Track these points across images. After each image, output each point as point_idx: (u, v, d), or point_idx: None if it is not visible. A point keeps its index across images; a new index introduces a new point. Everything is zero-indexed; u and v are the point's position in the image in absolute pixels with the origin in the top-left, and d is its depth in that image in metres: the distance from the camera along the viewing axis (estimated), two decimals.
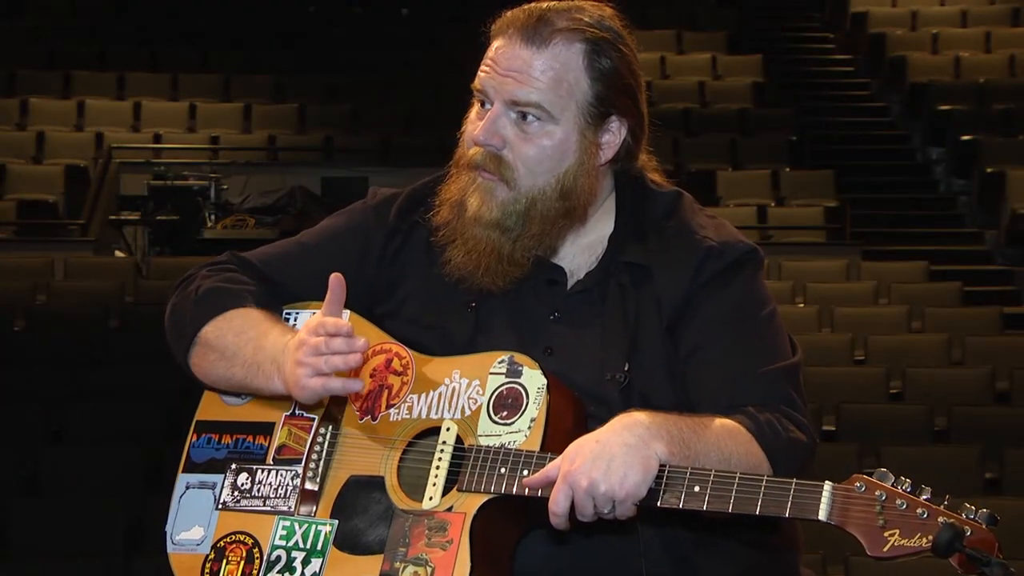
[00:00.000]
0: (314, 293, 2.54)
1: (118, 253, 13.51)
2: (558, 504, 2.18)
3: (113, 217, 13.74)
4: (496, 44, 2.42)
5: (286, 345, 2.38)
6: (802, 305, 10.97)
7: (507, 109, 2.39)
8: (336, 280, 2.38)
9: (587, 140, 2.41)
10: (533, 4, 2.45)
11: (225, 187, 13.96)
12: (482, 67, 2.43)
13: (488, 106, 2.41)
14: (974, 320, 10.66)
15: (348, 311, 2.52)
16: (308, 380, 2.31)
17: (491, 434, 2.32)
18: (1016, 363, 9.49)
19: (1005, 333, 10.47)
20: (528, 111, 2.38)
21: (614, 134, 2.44)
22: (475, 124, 2.43)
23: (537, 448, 2.28)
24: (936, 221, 14.52)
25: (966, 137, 14.64)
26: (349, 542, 2.36)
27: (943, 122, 15.23)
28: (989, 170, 14.02)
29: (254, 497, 2.46)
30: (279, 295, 2.55)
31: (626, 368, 2.37)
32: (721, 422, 2.27)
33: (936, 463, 7.69)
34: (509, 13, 2.44)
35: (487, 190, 2.40)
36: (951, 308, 10.98)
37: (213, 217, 13.66)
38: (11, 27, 16.45)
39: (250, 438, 2.50)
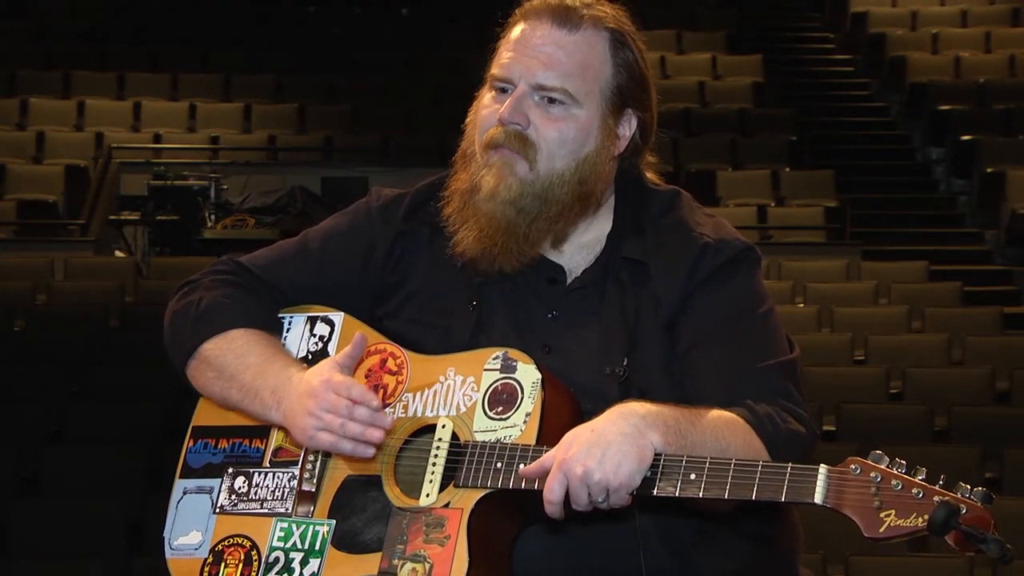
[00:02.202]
0: (314, 299, 2.55)
1: (118, 253, 13.50)
2: (553, 492, 2.18)
3: (113, 217, 13.73)
4: (521, 28, 2.42)
5: (290, 379, 2.39)
6: (802, 305, 10.97)
7: (532, 91, 2.39)
8: (360, 339, 2.38)
9: (608, 127, 2.42)
10: None
11: (225, 187, 13.96)
12: (504, 52, 2.43)
13: (509, 90, 2.41)
14: (974, 320, 10.65)
15: (342, 314, 2.53)
16: (318, 434, 2.32)
17: (487, 430, 2.33)
18: (1016, 363, 9.48)
19: (1005, 333, 10.47)
20: (554, 95, 2.38)
21: (627, 127, 2.45)
22: (491, 108, 2.42)
23: (533, 442, 2.29)
24: (936, 221, 14.51)
25: (966, 137, 14.64)
26: (347, 541, 2.37)
27: (943, 122, 15.22)
28: (989, 170, 14.01)
29: (251, 500, 2.46)
30: (278, 302, 2.56)
31: (624, 363, 2.37)
32: (719, 413, 2.27)
33: (936, 463, 7.60)
34: (534, 2, 2.44)
35: (506, 165, 2.39)
36: (951, 308, 10.97)
37: (213, 217, 13.66)
38: (11, 27, 16.46)
39: (246, 442, 2.51)
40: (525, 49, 2.40)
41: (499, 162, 2.39)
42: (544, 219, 2.40)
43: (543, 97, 2.39)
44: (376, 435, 2.30)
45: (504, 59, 2.42)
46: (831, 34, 18.43)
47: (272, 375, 2.41)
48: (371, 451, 2.32)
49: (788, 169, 14.43)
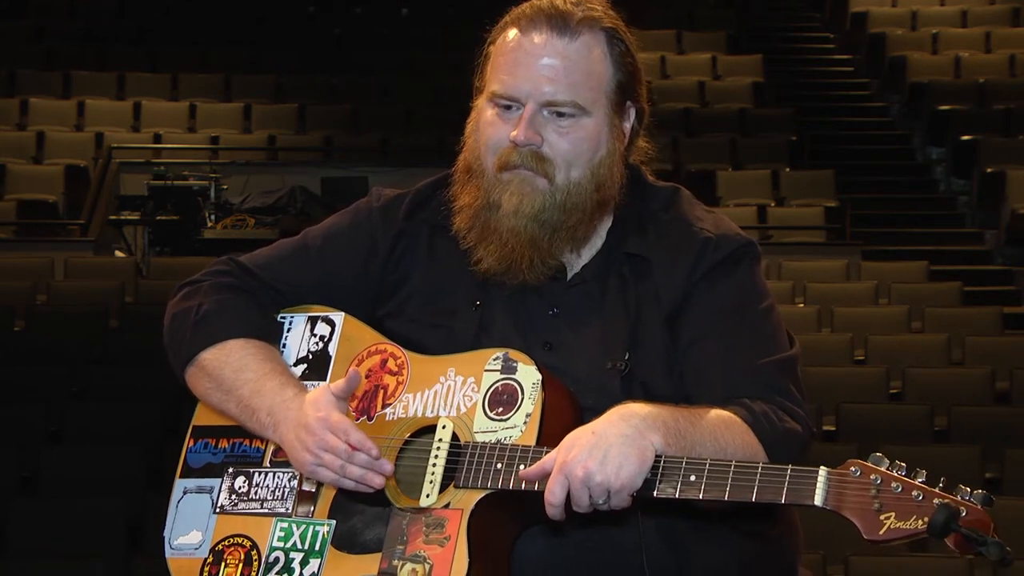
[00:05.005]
0: (314, 298, 2.55)
1: (118, 253, 13.50)
2: (554, 495, 2.18)
3: (113, 217, 13.72)
4: (517, 38, 2.39)
5: (286, 403, 2.38)
6: (802, 305, 10.97)
7: (542, 108, 2.38)
8: (354, 374, 2.37)
9: (615, 128, 2.42)
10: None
11: (225, 187, 13.95)
12: (503, 66, 2.40)
13: (515, 108, 2.39)
14: (974, 320, 10.65)
15: (343, 314, 2.53)
16: (318, 470, 2.33)
17: (487, 430, 2.33)
18: (1016, 363, 9.48)
19: (1005, 333, 10.47)
20: (563, 109, 2.37)
21: (629, 120, 2.46)
22: (498, 126, 2.40)
23: (533, 443, 2.28)
24: (936, 221, 14.51)
25: (966, 137, 14.64)
26: (347, 541, 2.37)
27: (943, 122, 15.22)
28: (989, 170, 14.01)
29: (251, 500, 2.47)
30: (278, 302, 2.56)
31: (626, 358, 2.37)
32: (717, 413, 2.27)
33: (936, 463, 7.64)
34: (525, 7, 2.42)
35: (525, 183, 2.38)
36: (951, 308, 10.97)
37: (213, 217, 13.65)
38: (11, 27, 16.46)
39: (247, 441, 2.51)
40: (528, 64, 2.37)
41: (518, 180, 2.38)
42: (565, 229, 2.40)
43: (552, 111, 2.37)
44: (376, 480, 2.31)
45: (505, 75, 2.39)
46: (831, 34, 18.43)
47: (268, 394, 2.41)
48: (380, 480, 2.32)
49: (788, 169, 14.43)
